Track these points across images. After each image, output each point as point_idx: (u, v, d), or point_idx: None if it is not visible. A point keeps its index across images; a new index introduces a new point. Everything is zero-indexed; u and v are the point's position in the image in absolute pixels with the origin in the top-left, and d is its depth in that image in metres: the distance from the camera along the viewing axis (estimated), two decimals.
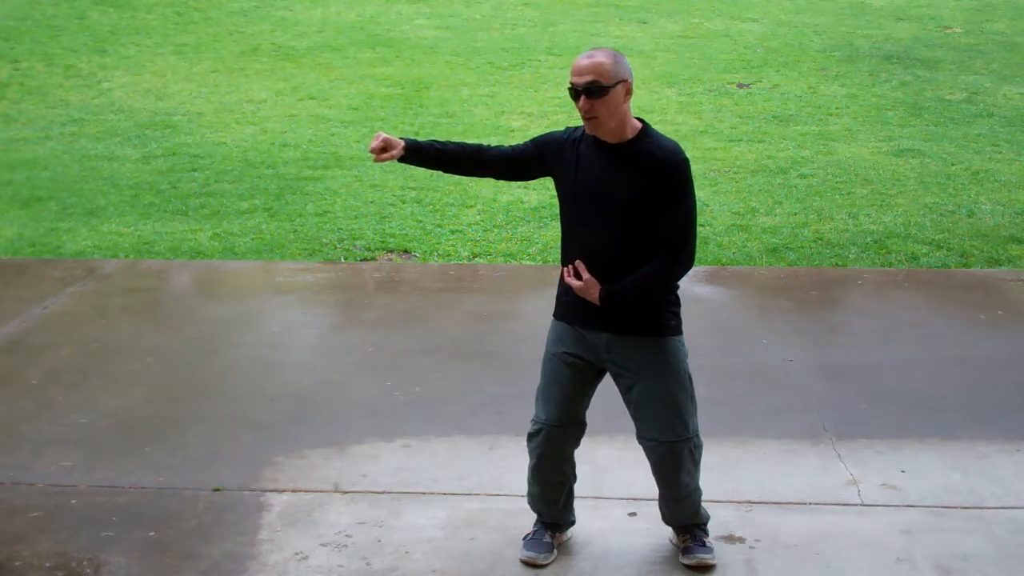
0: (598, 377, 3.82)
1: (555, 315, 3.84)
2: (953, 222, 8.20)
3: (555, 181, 3.76)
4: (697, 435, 3.77)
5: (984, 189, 9.03)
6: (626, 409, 3.80)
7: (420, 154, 3.74)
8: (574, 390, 3.78)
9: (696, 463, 3.80)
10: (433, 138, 3.87)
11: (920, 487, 4.47)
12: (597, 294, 3.62)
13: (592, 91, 3.51)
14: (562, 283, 3.76)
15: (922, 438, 4.89)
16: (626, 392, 3.76)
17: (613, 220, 3.60)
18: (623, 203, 3.58)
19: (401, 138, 3.72)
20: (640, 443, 3.81)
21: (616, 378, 3.77)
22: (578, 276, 3.65)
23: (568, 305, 3.76)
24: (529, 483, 3.96)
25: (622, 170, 3.58)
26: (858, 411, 5.18)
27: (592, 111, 3.53)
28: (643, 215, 3.59)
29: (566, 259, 3.73)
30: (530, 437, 3.86)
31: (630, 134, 3.60)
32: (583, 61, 3.55)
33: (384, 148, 3.66)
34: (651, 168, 3.56)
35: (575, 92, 3.56)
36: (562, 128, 3.83)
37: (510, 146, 3.83)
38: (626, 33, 15.57)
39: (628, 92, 3.56)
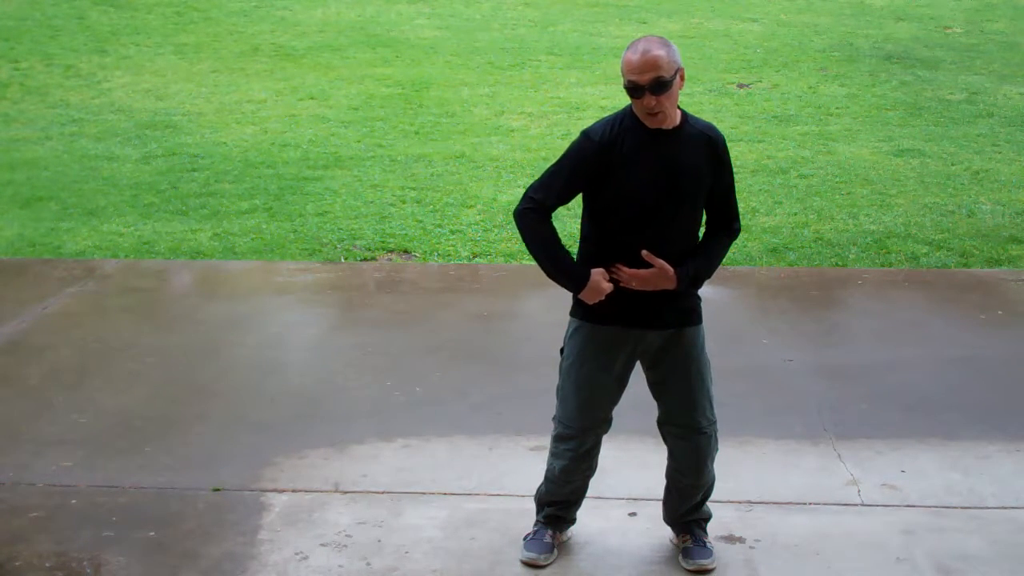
0: (630, 372, 3.80)
1: (588, 318, 3.71)
2: (953, 222, 8.20)
3: (598, 186, 3.62)
4: (717, 419, 3.83)
5: (984, 189, 9.03)
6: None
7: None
8: (611, 394, 3.78)
9: (717, 448, 3.86)
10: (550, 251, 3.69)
11: (920, 487, 4.47)
12: (673, 277, 3.57)
13: (657, 87, 3.46)
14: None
15: (922, 438, 4.89)
16: (660, 380, 3.76)
17: (679, 204, 3.59)
18: (692, 186, 3.60)
19: (579, 268, 3.64)
20: (667, 430, 3.81)
21: (650, 366, 3.77)
22: (640, 266, 3.57)
23: (612, 305, 3.65)
24: (552, 481, 3.92)
25: (684, 154, 3.58)
26: (858, 411, 5.18)
27: (658, 106, 3.49)
28: (703, 194, 3.65)
29: (610, 257, 3.62)
30: (561, 439, 3.83)
31: (679, 118, 3.61)
32: (638, 57, 3.46)
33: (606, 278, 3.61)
34: (707, 147, 3.62)
35: (637, 90, 3.49)
36: (567, 134, 3.76)
37: (560, 194, 3.65)
38: (626, 33, 15.55)
39: (683, 78, 3.54)
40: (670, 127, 3.59)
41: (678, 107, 3.63)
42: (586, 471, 3.92)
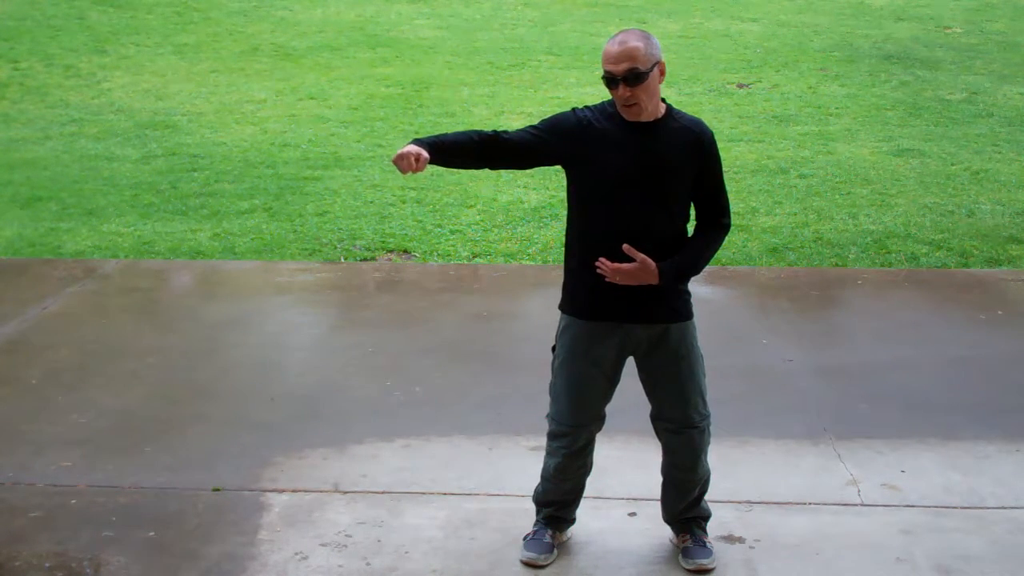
0: (621, 367, 3.80)
1: (576, 314, 3.73)
2: (953, 222, 8.20)
3: (576, 168, 3.66)
4: (710, 413, 3.83)
5: (984, 189, 9.03)
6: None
7: (440, 152, 3.60)
8: (603, 391, 3.78)
9: (710, 441, 3.86)
10: (438, 134, 3.72)
11: (920, 487, 4.47)
12: (655, 272, 3.56)
13: (632, 78, 3.47)
14: (585, 280, 3.66)
15: (922, 438, 4.89)
16: (651, 375, 3.77)
17: (655, 198, 3.59)
18: (665, 178, 3.58)
19: (414, 142, 3.55)
20: (660, 425, 3.81)
21: (641, 363, 3.78)
22: (613, 261, 3.57)
23: (598, 300, 3.66)
24: (548, 480, 3.94)
25: (662, 148, 3.57)
26: (858, 411, 5.18)
27: (633, 98, 3.50)
28: (683, 189, 3.63)
29: (589, 249, 3.63)
30: (554, 436, 3.84)
31: (661, 112, 3.61)
32: (615, 48, 3.49)
33: (418, 159, 3.50)
34: (689, 143, 3.60)
35: (613, 80, 3.51)
36: (563, 111, 3.73)
37: (517, 134, 3.69)
38: None
39: (662, 72, 3.54)
40: (649, 120, 3.59)
41: (663, 101, 3.64)
42: (580, 469, 3.92)
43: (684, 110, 3.75)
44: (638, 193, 3.58)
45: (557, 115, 3.72)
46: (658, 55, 3.53)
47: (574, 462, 3.86)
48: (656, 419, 3.83)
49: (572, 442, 3.81)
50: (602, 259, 3.59)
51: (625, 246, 3.56)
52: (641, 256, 3.56)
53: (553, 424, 3.84)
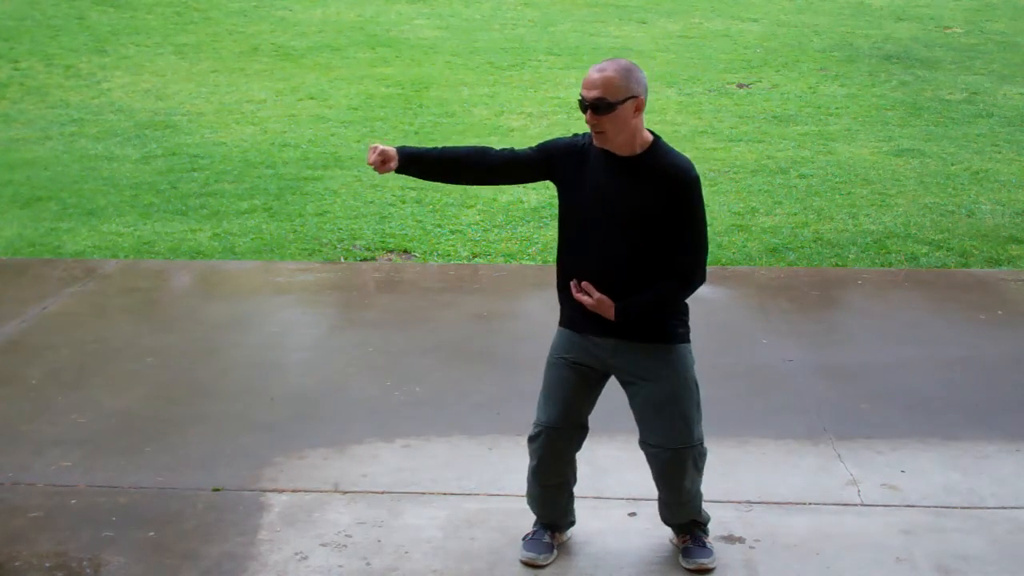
0: (602, 382, 3.81)
1: (560, 323, 3.82)
2: (953, 222, 8.20)
3: (559, 188, 3.73)
4: (702, 442, 3.76)
5: (984, 189, 9.03)
6: (627, 411, 3.79)
7: (418, 164, 3.69)
8: (576, 394, 3.78)
9: (699, 470, 3.80)
10: (429, 146, 3.82)
11: (920, 487, 4.47)
12: (612, 312, 3.60)
13: (598, 107, 3.49)
14: (565, 291, 3.74)
15: (922, 438, 4.89)
16: (632, 397, 3.77)
17: (620, 232, 3.59)
18: (630, 216, 3.57)
19: (396, 148, 3.67)
20: (642, 448, 3.80)
21: (622, 384, 3.78)
22: (586, 293, 3.64)
23: (573, 313, 3.73)
24: (529, 484, 3.96)
25: (630, 183, 3.57)
26: (858, 411, 5.18)
27: (599, 126, 3.52)
28: (650, 228, 3.58)
29: (567, 268, 3.71)
30: (530, 439, 3.86)
31: (640, 148, 3.59)
32: (594, 74, 3.51)
33: (383, 160, 3.62)
34: (660, 183, 3.56)
35: (583, 105, 3.54)
36: (567, 134, 3.80)
37: (511, 152, 3.76)
38: (626, 33, 15.57)
39: (639, 108, 3.52)
40: (624, 154, 3.59)
41: (654, 135, 3.63)
42: (557, 479, 3.89)
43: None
44: (598, 223, 3.61)
45: (557, 138, 3.80)
46: (636, 91, 3.50)
47: (547, 468, 3.84)
48: (640, 438, 3.82)
49: (544, 444, 3.80)
50: (572, 284, 3.67)
51: (584, 283, 3.63)
52: (598, 295, 3.61)
53: (532, 428, 3.87)
